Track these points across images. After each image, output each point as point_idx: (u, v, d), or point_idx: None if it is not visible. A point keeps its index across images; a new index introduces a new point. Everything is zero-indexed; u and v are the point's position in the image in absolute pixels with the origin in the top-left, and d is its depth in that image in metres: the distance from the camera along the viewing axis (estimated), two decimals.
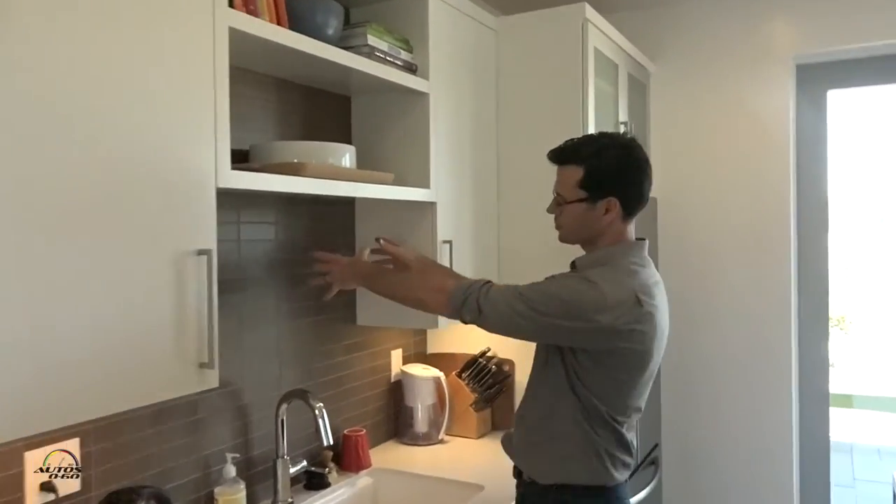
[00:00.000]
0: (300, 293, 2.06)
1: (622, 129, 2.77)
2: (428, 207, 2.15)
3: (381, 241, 2.04)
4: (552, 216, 1.72)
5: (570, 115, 2.40)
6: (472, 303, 1.59)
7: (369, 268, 1.91)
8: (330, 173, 1.68)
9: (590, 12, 2.40)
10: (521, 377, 2.54)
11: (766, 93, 3.07)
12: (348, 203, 2.25)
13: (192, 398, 1.71)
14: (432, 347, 2.69)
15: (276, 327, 1.97)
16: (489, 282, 1.63)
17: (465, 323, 1.65)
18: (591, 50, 2.41)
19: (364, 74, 1.90)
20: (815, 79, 3.12)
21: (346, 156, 1.81)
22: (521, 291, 1.56)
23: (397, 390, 2.48)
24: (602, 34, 2.54)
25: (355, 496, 2.10)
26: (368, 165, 2.18)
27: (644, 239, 1.71)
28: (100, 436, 1.50)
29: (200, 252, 1.33)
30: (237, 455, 1.78)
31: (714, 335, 3.12)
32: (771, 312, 3.03)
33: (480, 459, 2.32)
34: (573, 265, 1.70)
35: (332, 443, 1.79)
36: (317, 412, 1.78)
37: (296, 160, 1.66)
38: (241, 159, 1.76)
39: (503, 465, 1.82)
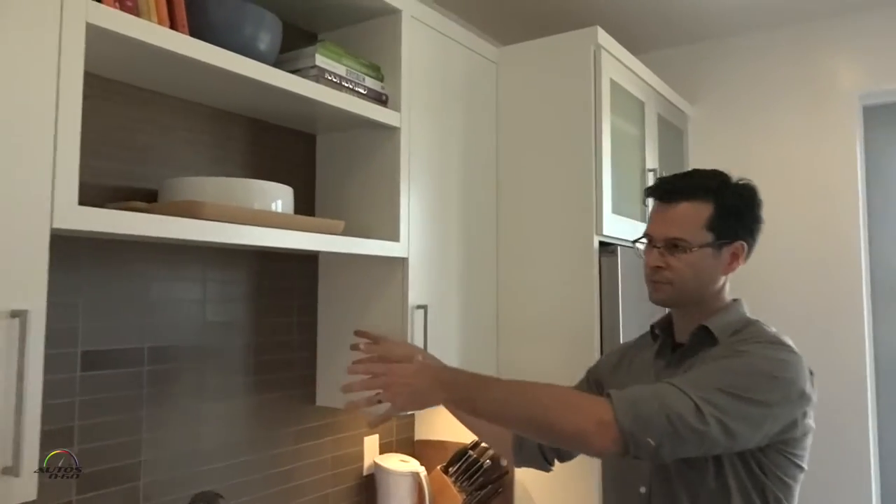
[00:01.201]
0: (239, 366, 1.69)
1: (650, 177, 2.36)
2: (398, 264, 1.77)
3: (361, 344, 1.45)
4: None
5: (580, 158, 2.02)
6: (658, 419, 1.09)
7: (450, 373, 1.28)
8: (243, 217, 1.32)
9: (603, 38, 2.03)
10: (522, 475, 2.08)
11: (828, 139, 2.62)
12: (309, 258, 1.89)
13: (66, 500, 1.34)
14: (421, 433, 2.26)
15: (198, 409, 1.59)
16: (610, 393, 1.16)
17: (637, 457, 1.12)
18: (605, 81, 2.04)
19: (315, 103, 1.57)
20: (887, 121, 2.65)
21: (278, 198, 1.46)
22: (710, 384, 1.13)
23: (370, 487, 2.05)
24: (620, 64, 2.16)
25: None
26: (333, 213, 1.83)
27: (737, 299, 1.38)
28: None
29: (14, 314, 0.98)
30: None
31: None
32: (843, 395, 2.50)
33: None
34: (701, 334, 1.29)
35: None
36: None
37: (205, 200, 1.31)
38: (150, 200, 1.44)
39: None
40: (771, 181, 2.66)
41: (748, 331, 1.27)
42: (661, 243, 1.30)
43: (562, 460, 1.50)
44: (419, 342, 1.76)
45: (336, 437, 1.97)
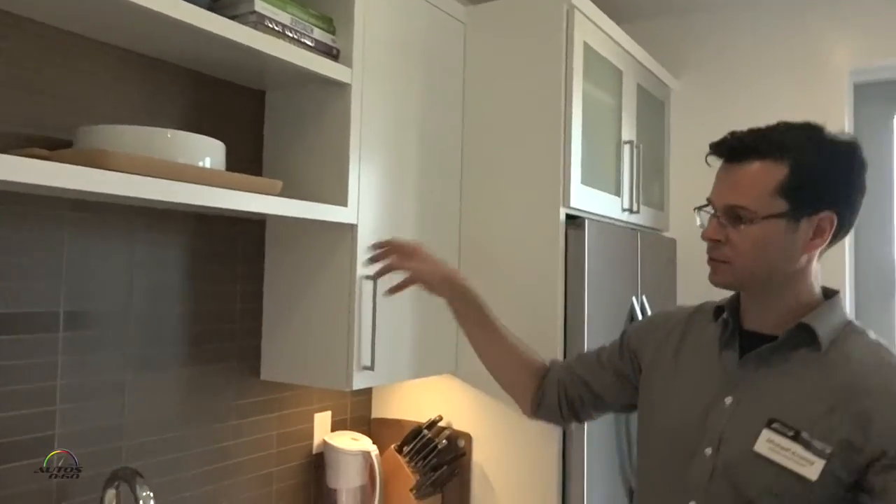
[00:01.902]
0: (172, 335, 1.58)
1: (625, 149, 2.24)
2: (346, 231, 1.66)
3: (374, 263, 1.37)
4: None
5: (548, 125, 1.90)
6: None
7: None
8: (159, 170, 1.20)
9: None
10: (480, 456, 1.99)
11: (817, 117, 2.48)
12: (255, 223, 1.78)
13: None
14: (378, 411, 2.16)
15: (123, 380, 1.48)
16: None
17: None
18: (578, 45, 1.92)
19: (253, 53, 1.44)
20: (878, 100, 2.54)
21: (206, 153, 1.35)
22: None
23: (319, 466, 1.95)
24: (597, 28, 2.04)
25: None
26: (281, 176, 1.71)
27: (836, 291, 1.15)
28: None
29: None
30: None
31: None
32: None
33: None
34: (799, 334, 1.07)
35: None
36: (140, 503, 1.28)
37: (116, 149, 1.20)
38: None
39: None
40: None
41: (865, 350, 1.05)
42: (721, 212, 1.09)
43: (580, 420, 1.40)
44: (367, 317, 1.66)
45: (282, 413, 1.86)
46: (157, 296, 1.55)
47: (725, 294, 1.19)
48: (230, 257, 1.72)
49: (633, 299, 2.19)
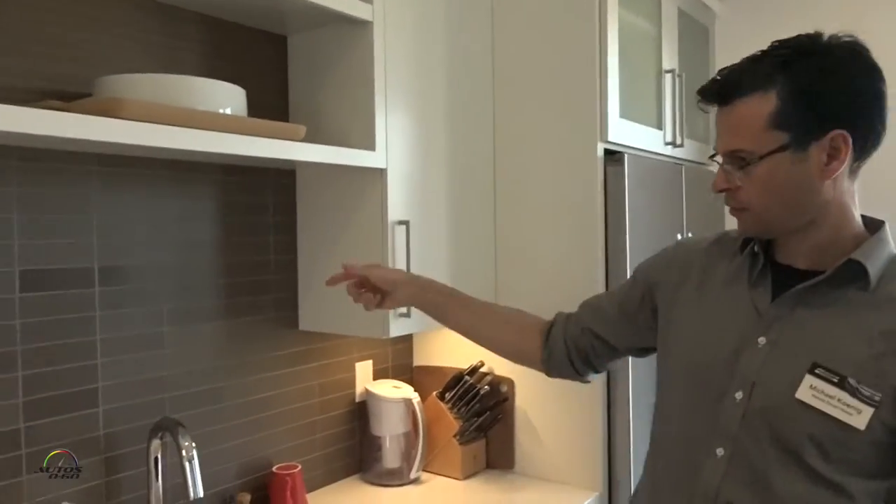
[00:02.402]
0: (207, 288, 1.58)
1: (667, 79, 2.13)
2: (376, 176, 1.62)
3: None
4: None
5: (583, 56, 1.81)
6: None
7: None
8: (175, 117, 1.17)
9: None
10: (523, 400, 1.97)
11: (880, 40, 2.32)
12: (285, 172, 1.75)
13: (13, 428, 1.26)
14: (420, 358, 2.15)
15: (161, 333, 1.49)
16: None
17: None
18: None
19: None
20: None
21: (226, 100, 1.31)
22: None
23: (363, 414, 1.96)
24: None
25: None
26: (307, 123, 1.67)
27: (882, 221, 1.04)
28: None
29: None
30: None
31: None
32: None
33: None
34: (849, 271, 0.97)
35: (200, 496, 1.30)
36: (184, 453, 1.29)
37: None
38: None
39: None
40: None
41: None
42: (725, 159, 1.01)
43: (598, 371, 1.32)
44: (401, 261, 1.63)
45: (323, 362, 1.86)
46: (189, 249, 1.55)
47: None
48: (261, 208, 1.70)
49: (678, 237, 2.11)
